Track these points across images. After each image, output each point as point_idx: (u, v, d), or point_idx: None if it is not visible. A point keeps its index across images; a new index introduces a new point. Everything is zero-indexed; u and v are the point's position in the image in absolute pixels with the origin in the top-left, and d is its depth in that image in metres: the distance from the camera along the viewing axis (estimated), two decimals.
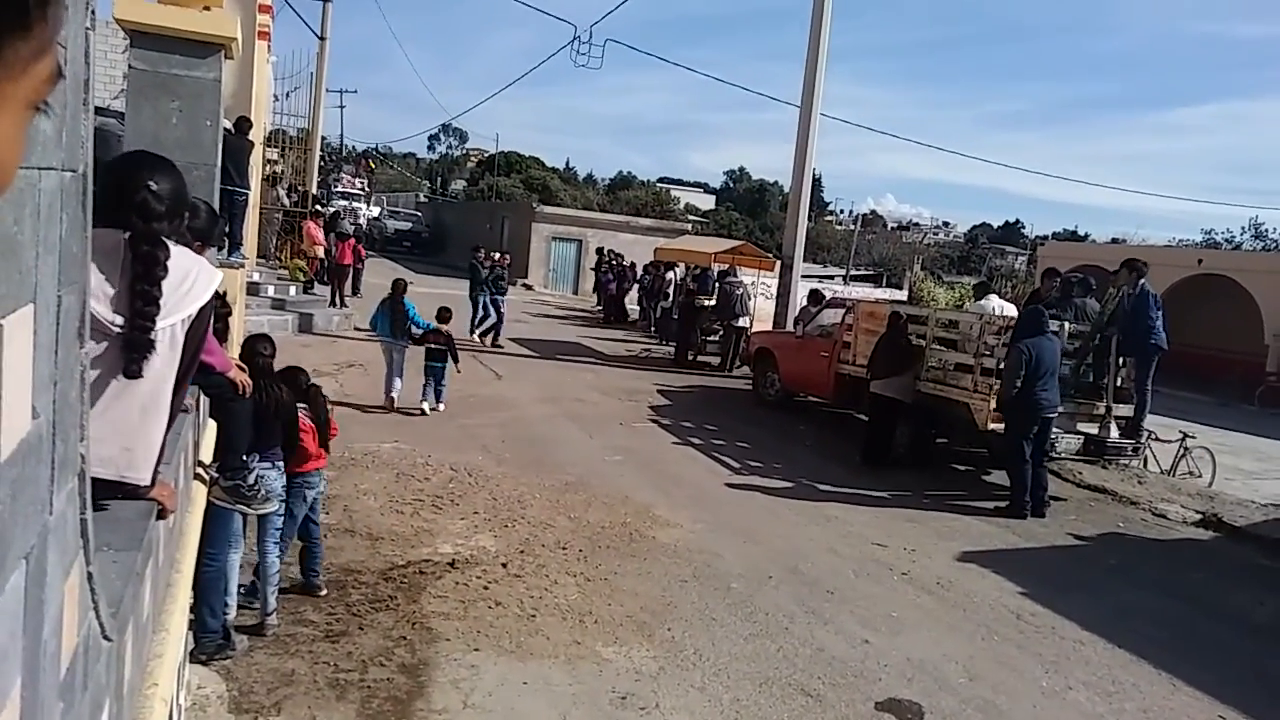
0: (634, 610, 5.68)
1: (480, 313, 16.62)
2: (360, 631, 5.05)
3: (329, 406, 5.60)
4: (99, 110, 4.05)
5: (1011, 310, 10.40)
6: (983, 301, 10.96)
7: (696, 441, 10.57)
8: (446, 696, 4.46)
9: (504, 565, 6.17)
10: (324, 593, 5.44)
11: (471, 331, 16.16)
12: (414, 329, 10.54)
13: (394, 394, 10.50)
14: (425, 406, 10.48)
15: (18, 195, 0.88)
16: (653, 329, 21.02)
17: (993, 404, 9.07)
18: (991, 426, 9.19)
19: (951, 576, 6.85)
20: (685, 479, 8.90)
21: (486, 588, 5.79)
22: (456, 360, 10.69)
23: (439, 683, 4.58)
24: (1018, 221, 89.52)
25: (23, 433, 0.94)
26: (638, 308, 23.25)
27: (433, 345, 10.53)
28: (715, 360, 16.85)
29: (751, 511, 8.04)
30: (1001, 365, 9.02)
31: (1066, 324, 9.58)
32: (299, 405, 5.23)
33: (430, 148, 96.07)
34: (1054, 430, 9.16)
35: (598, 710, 4.48)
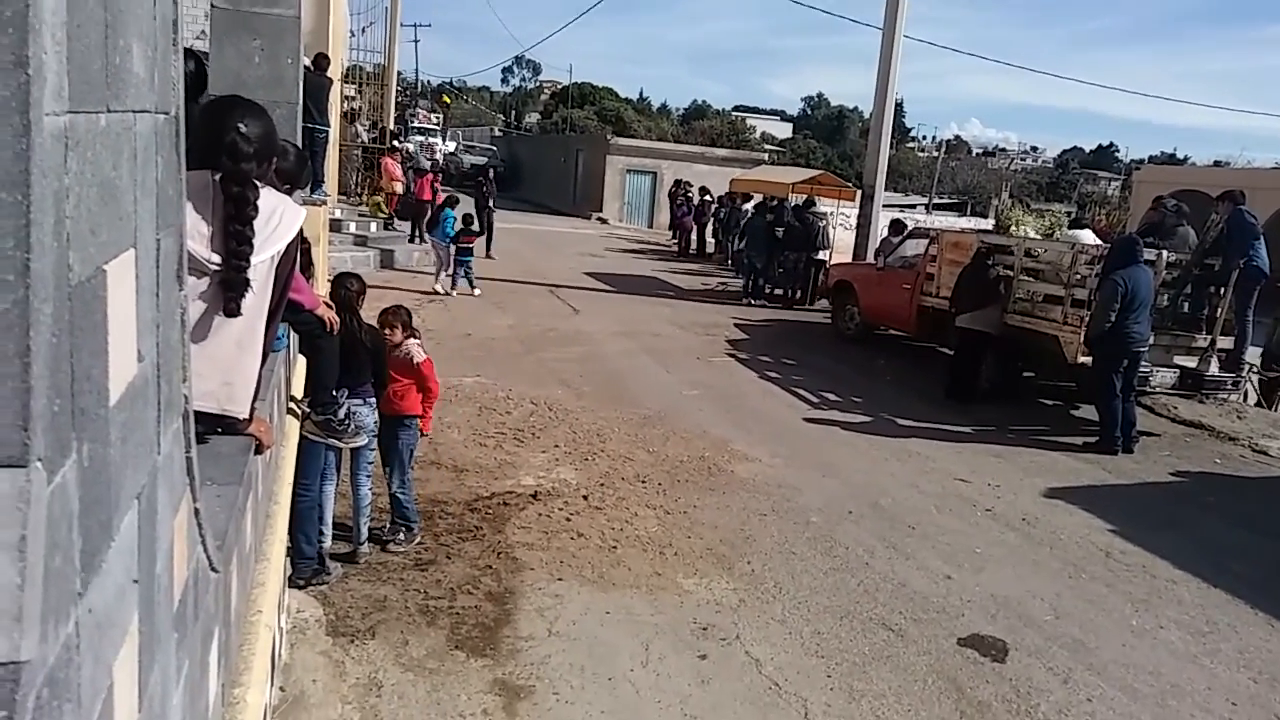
0: (713, 543, 5.73)
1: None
2: (448, 560, 5.20)
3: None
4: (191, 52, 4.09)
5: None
6: (1075, 233, 10.55)
7: (774, 375, 10.50)
8: (532, 624, 4.58)
9: (585, 497, 6.27)
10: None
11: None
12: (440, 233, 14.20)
13: (440, 277, 14.11)
14: (475, 291, 13.91)
15: (114, 140, 0.87)
16: (729, 262, 20.74)
17: (1083, 337, 8.77)
18: (1081, 360, 8.89)
19: (1037, 513, 6.72)
20: (763, 413, 8.86)
21: (569, 519, 5.89)
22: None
23: (524, 610, 4.70)
24: (1111, 145, 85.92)
25: (130, 376, 0.96)
26: (713, 240, 22.98)
27: (462, 244, 13.94)
28: (782, 292, 16.60)
29: (831, 446, 7.99)
30: (1094, 296, 8.68)
31: (1164, 253, 9.15)
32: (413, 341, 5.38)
33: (504, 80, 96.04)
34: (1147, 364, 8.84)
35: (679, 640, 4.56)
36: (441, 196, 20.39)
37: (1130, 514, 6.80)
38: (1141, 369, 8.70)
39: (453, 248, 14.05)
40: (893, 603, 5.13)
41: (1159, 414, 9.90)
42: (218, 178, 2.16)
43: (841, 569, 5.51)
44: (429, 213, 18.87)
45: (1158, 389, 9.43)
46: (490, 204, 18.64)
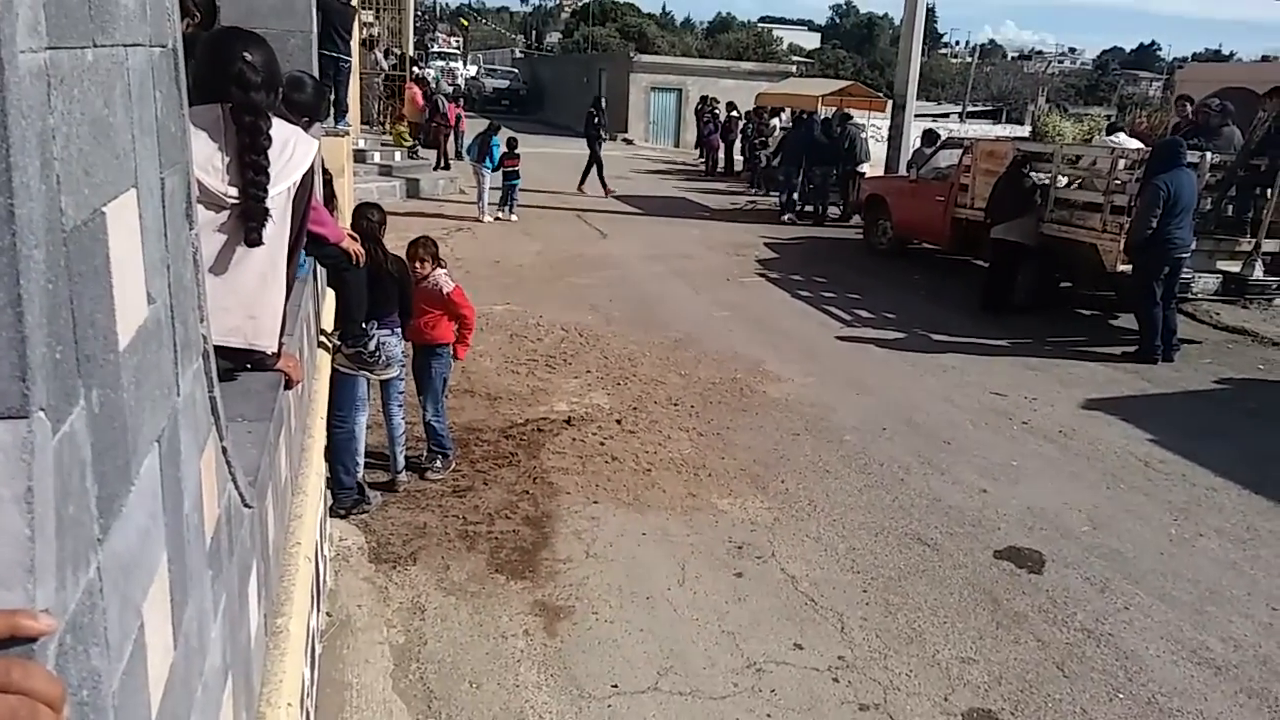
0: (747, 463, 5.75)
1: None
2: (485, 487, 5.27)
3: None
4: None
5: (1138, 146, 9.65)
6: (1112, 138, 10.21)
7: (806, 294, 10.40)
8: (570, 546, 4.65)
9: (618, 422, 6.30)
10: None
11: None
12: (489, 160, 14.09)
13: (484, 207, 14.03)
14: (512, 217, 14.18)
15: (104, 75, 0.84)
16: (756, 184, 19.91)
17: (1123, 244, 8.55)
18: (1120, 268, 8.70)
19: (1075, 424, 6.66)
20: (795, 333, 8.81)
21: (603, 444, 5.93)
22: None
23: (562, 533, 4.78)
24: (1153, 44, 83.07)
25: (140, 319, 0.94)
26: (742, 158, 22.51)
27: (507, 169, 14.07)
28: (813, 209, 16.31)
29: (864, 364, 7.93)
30: (1134, 203, 8.44)
31: (1207, 155, 8.84)
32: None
33: (523, 0, 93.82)
34: (1189, 270, 8.63)
35: (715, 559, 4.61)
36: (465, 123, 20.17)
37: (1170, 423, 6.72)
38: (1183, 275, 8.50)
39: (496, 174, 14.06)
40: (928, 518, 5.14)
41: (1201, 320, 9.72)
42: (228, 109, 2.13)
43: (876, 486, 5.52)
44: (450, 137, 18.68)
45: (1200, 295, 9.23)
46: (602, 135, 17.57)
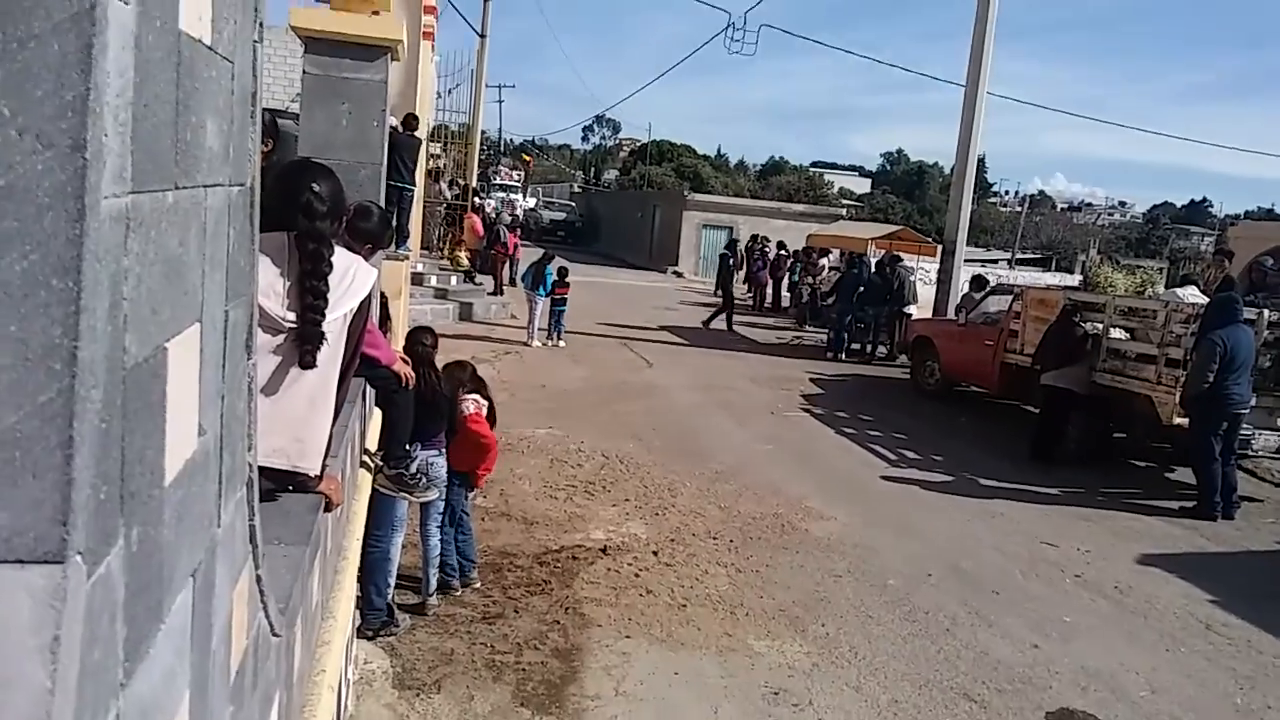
0: (786, 604, 5.58)
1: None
2: (515, 614, 5.17)
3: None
4: (281, 113, 4.26)
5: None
6: (1179, 290, 10.14)
7: (850, 432, 10.30)
8: (599, 683, 4.50)
9: (655, 553, 6.19)
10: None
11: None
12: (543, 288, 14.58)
13: (534, 332, 14.33)
14: (560, 343, 14.42)
15: (182, 216, 0.85)
16: (803, 320, 20.10)
17: (1178, 397, 8.40)
18: (1176, 421, 8.52)
19: (1131, 580, 6.39)
20: (839, 470, 8.68)
21: (638, 575, 5.82)
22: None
23: (591, 668, 4.64)
24: (1204, 200, 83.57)
25: (189, 452, 0.93)
26: (788, 294, 22.79)
27: (556, 296, 14.55)
28: (859, 347, 16.38)
29: (909, 506, 7.76)
30: (1190, 356, 8.34)
31: (1265, 311, 8.75)
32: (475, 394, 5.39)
33: (584, 139, 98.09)
34: (1249, 427, 8.42)
35: (749, 705, 4.43)
36: (521, 251, 20.82)
37: (1232, 584, 6.42)
38: (1243, 431, 8.30)
39: (547, 300, 14.50)
40: (975, 672, 4.91)
41: (1262, 478, 9.41)
42: (293, 236, 2.22)
43: (921, 635, 5.31)
44: (507, 264, 19.30)
45: (1260, 453, 8.96)
46: (735, 277, 18.21)
